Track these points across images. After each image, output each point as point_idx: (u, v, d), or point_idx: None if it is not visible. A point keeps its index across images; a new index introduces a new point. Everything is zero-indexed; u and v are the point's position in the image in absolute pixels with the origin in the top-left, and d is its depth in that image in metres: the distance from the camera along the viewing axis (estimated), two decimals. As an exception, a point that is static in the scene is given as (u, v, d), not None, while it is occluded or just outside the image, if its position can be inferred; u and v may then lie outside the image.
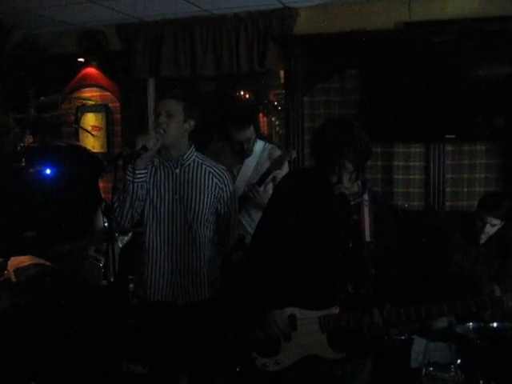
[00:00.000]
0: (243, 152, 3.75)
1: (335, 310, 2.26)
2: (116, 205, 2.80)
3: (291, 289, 2.34)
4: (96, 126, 5.64)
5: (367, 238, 2.23)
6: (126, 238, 3.80)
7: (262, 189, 3.56)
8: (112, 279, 3.51)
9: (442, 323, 3.53)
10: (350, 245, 2.25)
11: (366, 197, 2.37)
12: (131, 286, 4.44)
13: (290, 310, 2.31)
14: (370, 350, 2.37)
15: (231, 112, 3.84)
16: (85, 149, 5.25)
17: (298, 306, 2.31)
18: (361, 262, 2.14)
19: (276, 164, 3.59)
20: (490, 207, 3.58)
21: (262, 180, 3.58)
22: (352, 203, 2.28)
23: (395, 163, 4.83)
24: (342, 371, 2.34)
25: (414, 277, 3.63)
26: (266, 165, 3.73)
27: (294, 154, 3.72)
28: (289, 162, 3.77)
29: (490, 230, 3.64)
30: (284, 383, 2.37)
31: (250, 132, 3.69)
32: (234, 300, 2.70)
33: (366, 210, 2.34)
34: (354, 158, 2.20)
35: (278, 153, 3.84)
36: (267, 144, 3.92)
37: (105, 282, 3.57)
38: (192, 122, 2.91)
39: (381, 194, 2.72)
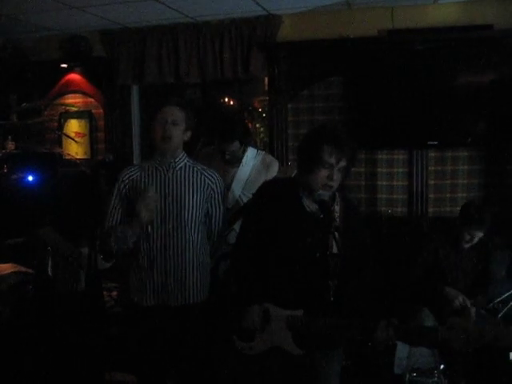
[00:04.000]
0: (231, 161, 3.75)
1: (299, 313, 2.40)
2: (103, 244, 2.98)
3: (268, 287, 2.47)
4: (79, 133, 5.61)
5: (335, 250, 2.30)
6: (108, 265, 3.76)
7: None
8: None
9: (428, 323, 3.57)
10: (317, 255, 2.35)
11: (336, 208, 2.44)
12: (114, 293, 4.41)
13: (265, 305, 2.47)
14: (336, 342, 2.49)
15: (217, 123, 3.84)
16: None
17: (273, 302, 2.45)
18: (325, 273, 2.30)
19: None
20: (477, 222, 3.61)
21: None
22: (322, 215, 2.36)
23: (379, 169, 4.86)
24: (311, 360, 2.47)
25: (394, 282, 3.65)
26: (261, 172, 3.78)
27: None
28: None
29: (475, 241, 3.69)
30: (256, 366, 2.54)
31: (234, 146, 3.66)
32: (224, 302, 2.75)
33: (337, 220, 2.38)
34: (349, 152, 2.32)
35: (270, 158, 3.93)
36: (259, 151, 3.94)
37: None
38: (189, 133, 3.01)
39: (354, 205, 2.72)
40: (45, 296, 3.82)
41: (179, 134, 2.94)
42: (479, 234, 3.65)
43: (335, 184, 2.33)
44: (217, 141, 3.71)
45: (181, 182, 2.97)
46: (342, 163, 2.31)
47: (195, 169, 3.03)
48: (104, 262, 3.71)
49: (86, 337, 3.55)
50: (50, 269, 3.75)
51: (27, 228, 4.23)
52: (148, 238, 2.94)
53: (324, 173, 2.31)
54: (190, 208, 2.94)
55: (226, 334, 2.60)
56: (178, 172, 2.98)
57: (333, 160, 2.29)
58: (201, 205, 2.98)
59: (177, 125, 2.92)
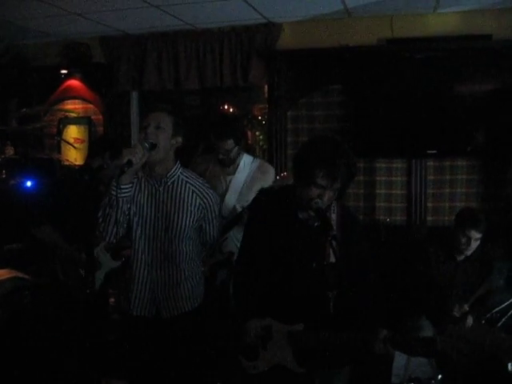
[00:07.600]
0: (224, 162, 3.74)
1: (299, 327, 2.33)
2: (101, 220, 2.76)
3: (269, 301, 2.41)
4: (78, 139, 5.61)
5: (332, 259, 2.24)
6: (117, 264, 3.71)
7: None
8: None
9: (427, 332, 3.55)
10: (314, 265, 2.31)
11: (333, 216, 2.39)
12: (112, 300, 4.39)
13: (267, 321, 2.39)
14: (343, 361, 2.42)
15: (213, 121, 3.83)
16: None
17: (275, 318, 2.38)
18: (323, 284, 2.24)
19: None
20: (472, 221, 3.61)
21: None
22: (316, 224, 2.32)
23: (378, 178, 4.87)
24: (314, 380, 2.40)
25: (392, 291, 3.63)
26: (257, 178, 3.77)
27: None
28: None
29: (474, 245, 3.67)
30: None
31: (228, 145, 3.66)
32: (222, 312, 2.71)
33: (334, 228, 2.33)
34: (345, 173, 2.24)
35: (266, 166, 3.92)
36: (255, 158, 3.93)
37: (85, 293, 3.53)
38: (179, 139, 2.86)
39: (353, 213, 2.67)
40: (44, 302, 3.80)
41: (164, 138, 2.75)
42: (475, 235, 3.63)
43: (325, 202, 2.27)
44: (212, 139, 3.68)
45: (171, 199, 2.86)
46: (336, 185, 2.25)
47: (188, 185, 2.89)
48: (113, 260, 3.68)
49: (83, 343, 3.54)
50: (60, 274, 3.72)
51: (25, 233, 4.21)
52: (138, 250, 2.90)
53: (315, 192, 2.25)
54: (179, 226, 2.86)
55: (229, 352, 2.53)
56: (170, 187, 2.86)
57: (326, 183, 2.23)
58: (190, 224, 2.89)
59: (162, 129, 2.75)
